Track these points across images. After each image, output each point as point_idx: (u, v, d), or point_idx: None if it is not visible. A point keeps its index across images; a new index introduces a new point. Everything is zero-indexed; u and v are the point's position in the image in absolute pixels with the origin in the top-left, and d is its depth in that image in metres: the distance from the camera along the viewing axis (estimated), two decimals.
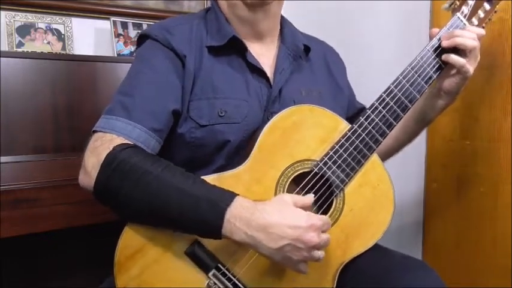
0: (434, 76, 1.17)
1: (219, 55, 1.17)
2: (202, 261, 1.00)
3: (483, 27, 1.23)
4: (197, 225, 0.95)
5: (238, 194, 0.96)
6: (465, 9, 1.22)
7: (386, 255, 1.12)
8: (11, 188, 1.30)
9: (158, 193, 0.95)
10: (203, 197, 0.94)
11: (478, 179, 1.95)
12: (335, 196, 1.08)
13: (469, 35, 1.16)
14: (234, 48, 1.18)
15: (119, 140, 1.01)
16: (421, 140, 2.21)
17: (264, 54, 1.23)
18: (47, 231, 1.33)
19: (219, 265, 1.01)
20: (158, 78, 1.11)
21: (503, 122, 1.83)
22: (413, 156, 2.23)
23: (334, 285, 1.07)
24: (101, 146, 1.00)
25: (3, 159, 1.41)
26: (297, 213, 0.95)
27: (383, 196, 1.10)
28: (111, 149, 0.98)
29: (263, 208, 0.94)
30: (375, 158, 1.11)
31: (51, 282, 1.65)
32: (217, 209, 0.93)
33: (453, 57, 1.16)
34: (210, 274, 1.00)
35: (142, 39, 1.19)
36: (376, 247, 1.10)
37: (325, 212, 1.08)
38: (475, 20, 1.22)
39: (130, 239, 1.00)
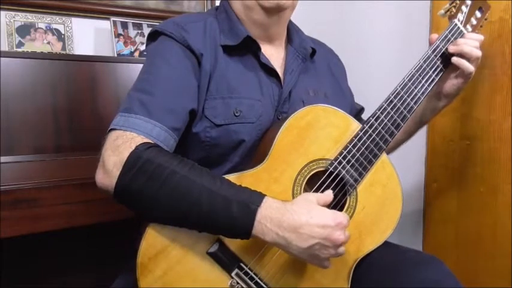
0: (437, 79, 1.21)
1: (232, 54, 1.17)
2: (225, 261, 1.00)
3: (476, 33, 1.27)
4: (227, 226, 0.94)
5: (266, 195, 0.96)
6: (460, 16, 1.26)
7: (398, 251, 1.14)
8: (11, 188, 1.28)
9: (187, 193, 0.93)
10: (233, 198, 0.93)
11: (478, 179, 1.96)
12: (349, 194, 1.09)
13: (475, 44, 1.21)
14: (248, 48, 1.18)
15: (139, 139, 0.98)
16: (421, 140, 2.23)
17: (274, 55, 1.23)
18: (47, 231, 1.31)
19: (242, 264, 1.01)
20: (176, 76, 1.09)
21: (503, 122, 1.85)
22: (414, 157, 2.24)
23: (349, 284, 1.08)
24: (123, 144, 0.97)
25: (3, 159, 1.40)
26: (323, 212, 0.95)
27: (392, 194, 1.13)
28: (133, 148, 0.95)
29: (291, 208, 0.94)
30: (384, 157, 1.13)
31: (51, 282, 1.64)
32: (248, 211, 0.93)
33: (464, 63, 1.20)
34: (233, 274, 1.00)
35: (154, 35, 1.16)
36: (386, 244, 1.12)
37: (338, 210, 1.08)
38: (469, 27, 1.27)
39: (152, 240, 0.98)
